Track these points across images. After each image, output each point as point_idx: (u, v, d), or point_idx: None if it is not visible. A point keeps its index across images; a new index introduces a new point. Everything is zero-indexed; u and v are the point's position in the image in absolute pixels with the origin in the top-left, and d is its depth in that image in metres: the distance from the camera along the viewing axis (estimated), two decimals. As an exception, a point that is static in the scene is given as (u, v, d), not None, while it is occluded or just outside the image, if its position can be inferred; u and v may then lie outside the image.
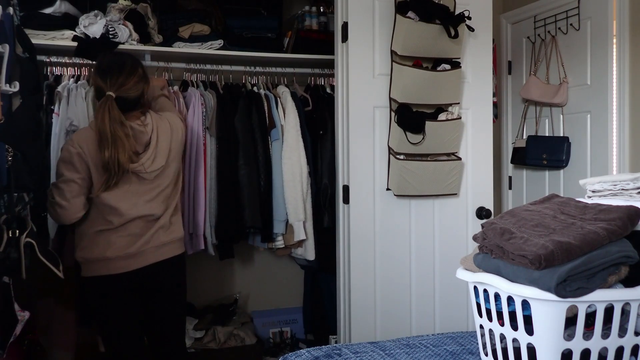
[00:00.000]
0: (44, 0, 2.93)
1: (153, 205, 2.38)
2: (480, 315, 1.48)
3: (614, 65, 3.11)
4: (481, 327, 1.50)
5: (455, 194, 2.93)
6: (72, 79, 2.98)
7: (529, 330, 1.33)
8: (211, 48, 3.26)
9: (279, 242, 3.26)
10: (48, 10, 2.94)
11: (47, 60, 2.99)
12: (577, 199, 1.60)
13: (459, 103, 2.88)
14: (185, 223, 2.92)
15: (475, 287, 1.49)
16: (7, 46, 2.10)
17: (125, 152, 2.25)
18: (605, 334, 1.32)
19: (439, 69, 2.80)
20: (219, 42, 3.28)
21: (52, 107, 2.91)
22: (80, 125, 2.83)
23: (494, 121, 3.13)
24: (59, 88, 2.91)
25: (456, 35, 2.70)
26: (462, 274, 1.53)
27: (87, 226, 2.35)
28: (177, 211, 2.50)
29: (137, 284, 2.38)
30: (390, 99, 2.81)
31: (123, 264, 2.33)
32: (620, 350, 1.35)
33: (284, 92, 3.32)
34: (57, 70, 3.02)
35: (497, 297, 1.41)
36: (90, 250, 2.33)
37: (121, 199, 2.31)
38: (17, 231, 2.00)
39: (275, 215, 3.20)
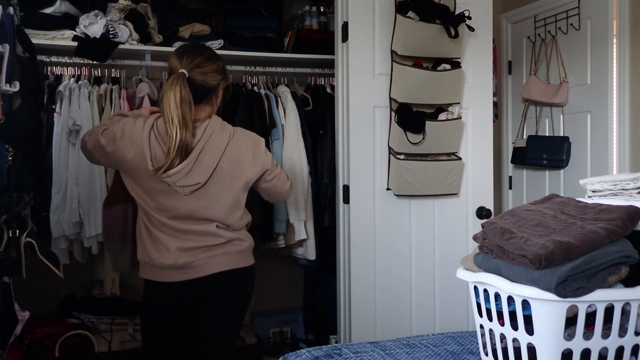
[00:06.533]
0: (44, 0, 2.94)
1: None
2: (481, 315, 1.48)
3: (614, 65, 3.10)
4: (481, 327, 1.50)
5: (456, 193, 2.93)
6: (72, 79, 2.98)
7: (529, 330, 1.33)
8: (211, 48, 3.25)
9: (280, 242, 3.25)
10: (48, 10, 2.94)
11: (47, 60, 2.99)
12: (577, 199, 1.60)
13: (459, 103, 2.88)
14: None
15: (475, 287, 1.49)
16: (7, 46, 2.09)
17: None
18: (606, 334, 1.32)
19: (439, 68, 2.80)
20: (219, 42, 3.28)
21: (53, 106, 2.91)
22: (83, 125, 2.82)
23: (494, 121, 3.13)
24: (61, 87, 2.91)
25: (456, 35, 2.70)
26: (463, 274, 1.53)
27: None
28: None
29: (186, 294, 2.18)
30: (391, 98, 2.81)
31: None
32: (620, 350, 1.35)
33: (284, 91, 3.31)
34: (57, 70, 3.01)
35: (497, 297, 1.41)
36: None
37: None
38: (17, 231, 2.00)
39: (276, 214, 3.20)
